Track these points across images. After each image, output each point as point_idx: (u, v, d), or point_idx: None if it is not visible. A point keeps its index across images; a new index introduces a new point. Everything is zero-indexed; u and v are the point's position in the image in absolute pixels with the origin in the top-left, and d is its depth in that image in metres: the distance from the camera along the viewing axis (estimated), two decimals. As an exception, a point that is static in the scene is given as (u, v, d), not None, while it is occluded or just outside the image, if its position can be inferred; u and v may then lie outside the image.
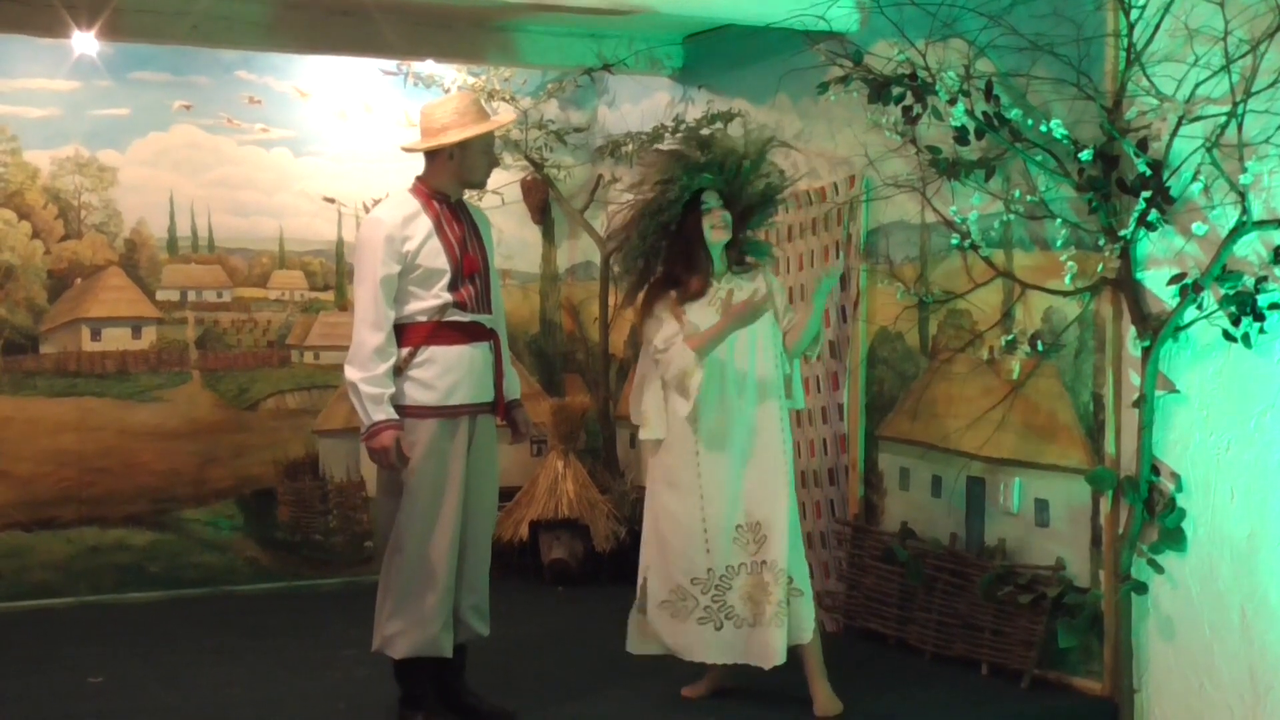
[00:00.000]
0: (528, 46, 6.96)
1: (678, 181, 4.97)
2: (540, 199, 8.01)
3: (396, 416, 4.66)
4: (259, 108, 7.44)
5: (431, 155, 4.83)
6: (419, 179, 4.87)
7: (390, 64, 7.51)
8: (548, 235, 8.15)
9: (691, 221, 4.97)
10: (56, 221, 7.10)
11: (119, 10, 6.05)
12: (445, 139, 4.75)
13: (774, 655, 4.90)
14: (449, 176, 4.82)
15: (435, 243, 4.72)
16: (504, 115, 4.95)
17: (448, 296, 4.73)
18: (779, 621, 4.88)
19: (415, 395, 4.72)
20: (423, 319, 4.73)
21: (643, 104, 7.61)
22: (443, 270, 4.72)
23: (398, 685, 4.88)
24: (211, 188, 7.36)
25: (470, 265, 4.78)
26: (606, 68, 7.03)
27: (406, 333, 4.73)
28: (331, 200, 7.47)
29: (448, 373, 4.73)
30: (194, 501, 7.30)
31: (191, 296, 7.38)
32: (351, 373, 4.68)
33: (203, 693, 5.33)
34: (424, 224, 4.73)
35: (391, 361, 4.68)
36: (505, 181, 7.93)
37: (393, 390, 4.67)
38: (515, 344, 8.04)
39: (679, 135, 6.38)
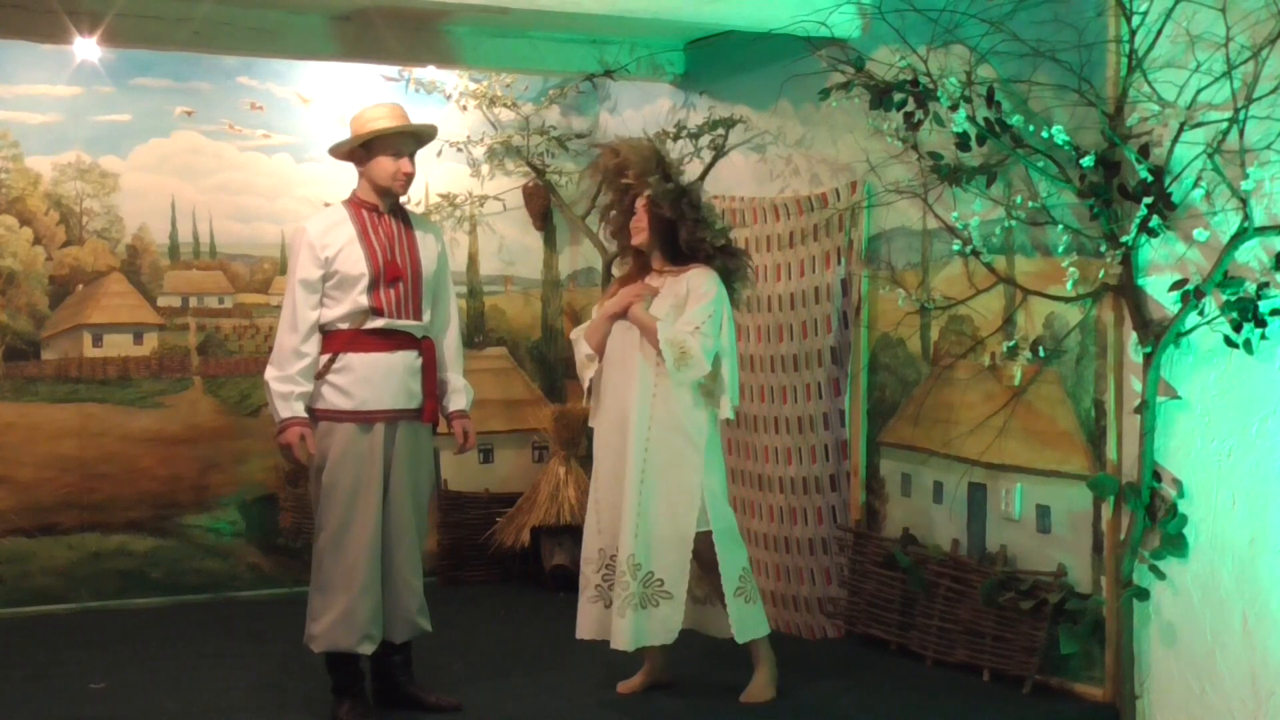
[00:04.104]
0: (529, 52, 6.96)
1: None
2: (542, 205, 8.01)
3: (304, 415, 4.87)
4: (260, 113, 7.45)
5: (356, 166, 5.06)
6: (352, 191, 5.09)
7: (392, 70, 7.52)
8: (549, 241, 8.15)
9: None
10: (58, 227, 7.11)
11: (120, 16, 6.05)
12: (351, 139, 5.01)
13: (616, 638, 5.09)
14: (365, 182, 5.05)
15: (355, 249, 4.93)
16: (424, 123, 5.15)
17: (364, 301, 4.90)
18: (623, 611, 5.04)
19: (332, 399, 4.92)
20: (344, 326, 4.92)
21: (644, 110, 7.61)
22: (360, 275, 4.90)
23: (329, 675, 5.03)
24: (213, 193, 7.38)
25: (393, 271, 4.95)
26: (608, 73, 7.03)
27: (328, 339, 4.93)
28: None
29: (365, 380, 4.92)
30: (196, 507, 7.31)
31: (193, 302, 7.39)
32: (268, 372, 4.92)
33: (204, 698, 5.33)
34: (346, 231, 4.96)
35: (305, 362, 4.88)
36: (507, 188, 7.94)
37: (304, 389, 4.88)
38: (517, 350, 8.06)
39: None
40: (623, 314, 5.21)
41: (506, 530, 7.49)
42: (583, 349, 5.33)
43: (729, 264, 5.23)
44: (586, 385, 5.36)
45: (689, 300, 5.11)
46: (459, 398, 5.18)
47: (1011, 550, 5.43)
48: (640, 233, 5.22)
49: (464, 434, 5.18)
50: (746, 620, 5.13)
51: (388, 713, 5.04)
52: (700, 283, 5.13)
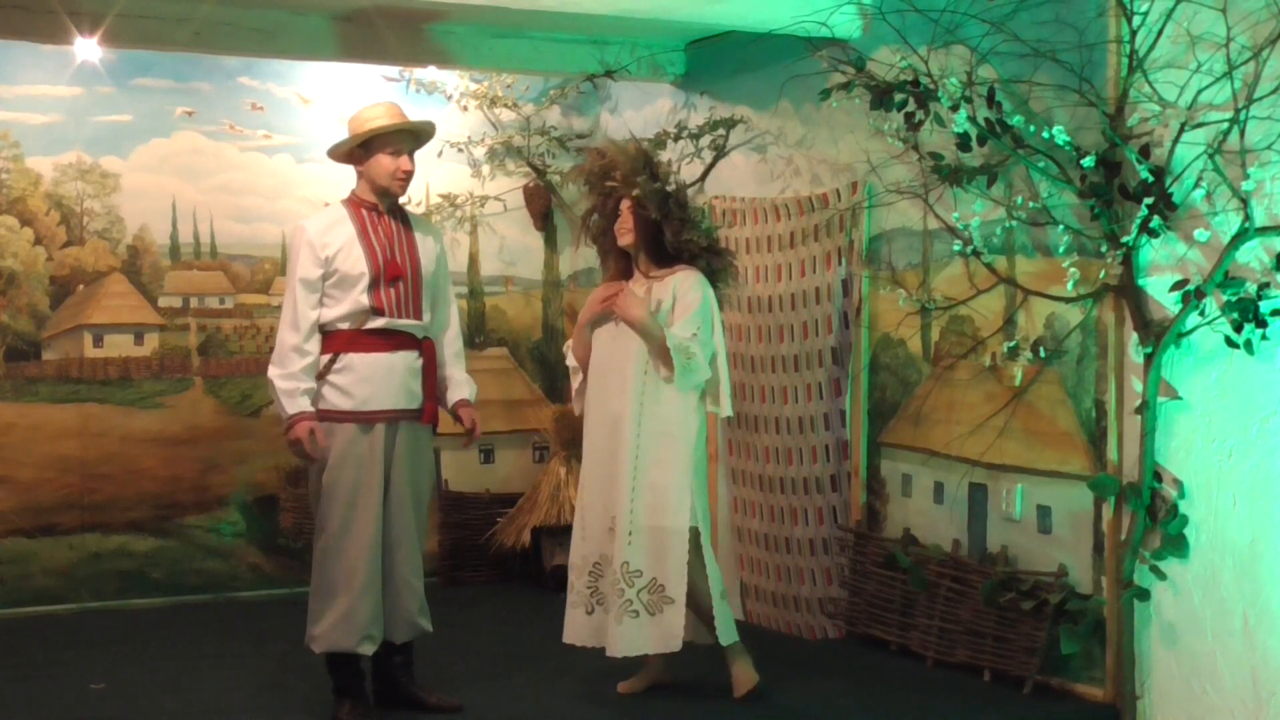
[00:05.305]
0: (530, 52, 6.96)
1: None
2: (542, 205, 8.01)
3: (311, 409, 4.85)
4: (261, 114, 7.45)
5: (355, 166, 5.04)
6: (351, 191, 5.08)
7: (392, 70, 7.52)
8: (550, 242, 8.15)
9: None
10: (59, 228, 7.11)
11: (121, 16, 6.05)
12: (349, 138, 5.00)
13: (613, 645, 5.08)
14: (365, 182, 5.04)
15: (356, 248, 4.92)
16: (422, 121, 5.12)
17: (365, 301, 4.88)
18: (620, 619, 5.04)
19: (333, 400, 4.91)
20: (344, 326, 4.91)
21: (645, 110, 7.61)
22: (360, 274, 4.89)
23: (329, 676, 5.02)
24: (214, 194, 7.38)
25: (393, 270, 4.94)
26: (609, 74, 7.03)
27: (329, 339, 4.92)
28: (333, 206, 7.48)
29: (365, 380, 4.90)
30: (196, 508, 7.30)
31: (194, 303, 7.39)
32: (271, 371, 4.90)
33: (205, 699, 5.33)
34: (346, 230, 4.95)
35: (308, 360, 4.87)
36: (507, 188, 7.94)
37: (308, 386, 4.86)
38: (518, 350, 8.06)
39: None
40: (598, 319, 5.21)
41: (507, 530, 7.49)
42: (568, 359, 5.39)
43: (714, 264, 5.25)
44: (575, 392, 5.39)
45: (677, 307, 5.11)
46: (462, 388, 5.15)
47: (1012, 551, 5.43)
48: (627, 234, 5.21)
49: (471, 421, 5.14)
50: (730, 623, 5.18)
51: (388, 713, 5.05)
52: (687, 288, 5.13)
